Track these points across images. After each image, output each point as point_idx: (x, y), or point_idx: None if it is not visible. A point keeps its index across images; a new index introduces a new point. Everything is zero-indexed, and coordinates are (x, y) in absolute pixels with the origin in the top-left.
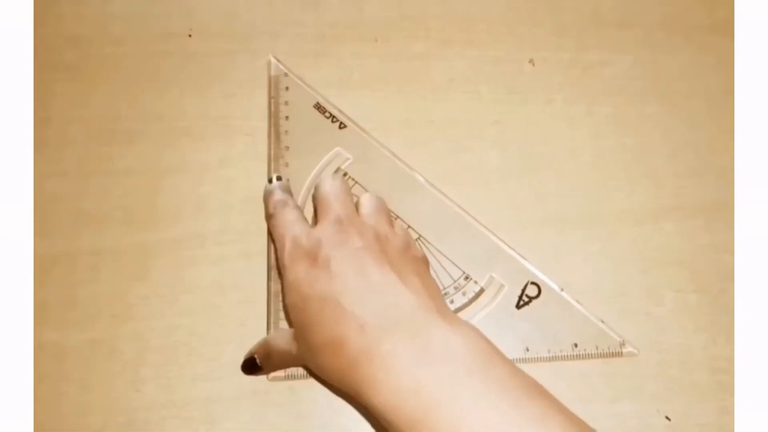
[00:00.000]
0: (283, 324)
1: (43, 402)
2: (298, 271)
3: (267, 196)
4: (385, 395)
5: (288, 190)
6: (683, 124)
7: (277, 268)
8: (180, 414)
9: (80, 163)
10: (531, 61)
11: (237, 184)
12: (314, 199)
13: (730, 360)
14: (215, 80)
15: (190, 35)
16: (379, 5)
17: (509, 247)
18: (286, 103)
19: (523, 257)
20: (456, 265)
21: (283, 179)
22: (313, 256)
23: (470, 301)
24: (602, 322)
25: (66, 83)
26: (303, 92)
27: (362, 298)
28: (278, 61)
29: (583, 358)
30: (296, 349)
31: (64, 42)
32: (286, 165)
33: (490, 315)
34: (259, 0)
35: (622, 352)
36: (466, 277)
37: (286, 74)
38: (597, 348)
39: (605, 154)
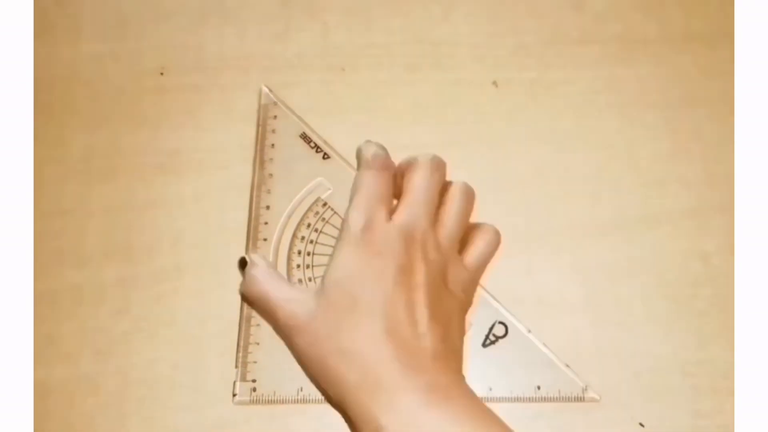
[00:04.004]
0: (254, 348)
1: None
2: (360, 257)
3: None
4: (399, 426)
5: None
6: (645, 135)
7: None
8: None
9: (58, 202)
10: (494, 82)
11: (212, 218)
12: (406, 174)
13: (701, 364)
14: (189, 115)
15: (162, 73)
16: (345, 34)
17: (479, 286)
18: (273, 131)
19: (492, 296)
20: None
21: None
22: (378, 250)
23: None
24: (567, 366)
25: (40, 125)
26: (290, 121)
27: (404, 332)
28: (269, 90)
29: (545, 401)
30: (307, 314)
31: (38, 85)
32: (268, 191)
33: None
34: (228, 34)
35: (584, 398)
36: None
37: (275, 103)
38: (560, 392)
39: (569, 168)
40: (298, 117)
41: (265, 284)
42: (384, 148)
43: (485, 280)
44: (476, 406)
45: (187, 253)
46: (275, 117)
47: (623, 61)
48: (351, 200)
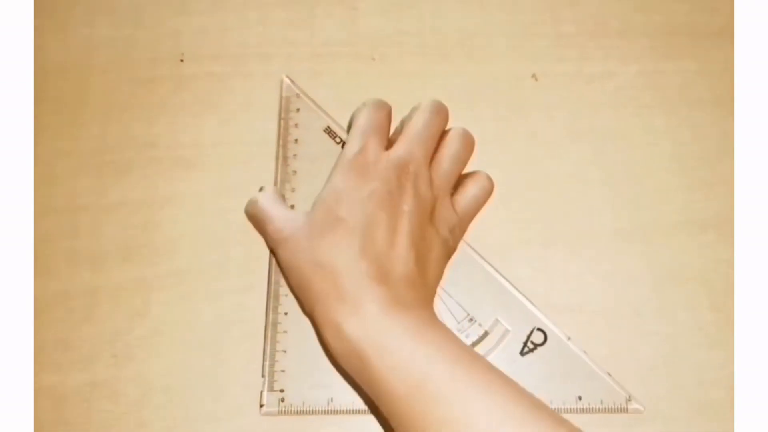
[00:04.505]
0: (281, 357)
1: None
2: (349, 179)
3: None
4: (356, 329)
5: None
6: (691, 134)
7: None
8: None
9: (71, 198)
10: (534, 75)
11: (235, 215)
12: (408, 115)
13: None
14: (209, 106)
15: (181, 60)
16: (374, 21)
17: (517, 290)
18: (296, 125)
19: (531, 302)
20: (461, 306)
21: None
22: (367, 175)
23: (473, 345)
24: (609, 375)
25: (51, 115)
26: (314, 115)
27: (380, 254)
28: (291, 81)
29: (586, 412)
30: (294, 228)
31: (48, 72)
32: (293, 190)
33: (493, 360)
34: (251, 20)
35: (627, 408)
36: (471, 319)
37: (298, 95)
38: (602, 402)
39: (611, 169)
40: (323, 110)
41: (265, 203)
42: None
43: (524, 285)
44: (435, 322)
45: (208, 253)
46: (298, 110)
47: (668, 56)
48: (348, 134)
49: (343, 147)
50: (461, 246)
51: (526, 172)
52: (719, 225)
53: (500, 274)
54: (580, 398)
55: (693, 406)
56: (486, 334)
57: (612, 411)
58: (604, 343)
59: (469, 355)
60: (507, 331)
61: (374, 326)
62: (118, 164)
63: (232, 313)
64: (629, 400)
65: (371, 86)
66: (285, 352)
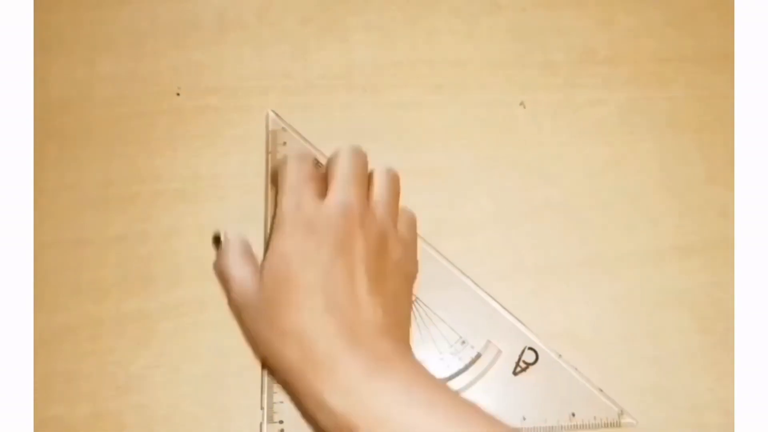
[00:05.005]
0: (279, 388)
1: None
2: (294, 238)
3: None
4: (340, 399)
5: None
6: (678, 159)
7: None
8: None
9: (75, 231)
10: (522, 103)
11: None
12: (329, 164)
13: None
14: (207, 139)
15: (178, 93)
16: (368, 52)
17: (507, 311)
18: (285, 154)
19: (521, 322)
20: (453, 330)
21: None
22: (312, 229)
23: (466, 367)
24: (600, 390)
25: (55, 149)
26: (301, 148)
27: (345, 306)
28: (276, 115)
29: (580, 429)
30: (252, 295)
31: (52, 107)
32: None
33: (487, 381)
34: (247, 53)
35: (620, 423)
36: (463, 342)
37: (284, 129)
38: (595, 418)
39: (602, 195)
40: (309, 143)
41: (229, 259)
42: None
43: (517, 310)
44: (420, 373)
45: (208, 283)
46: (284, 143)
47: (656, 82)
48: (278, 191)
49: None
50: (452, 269)
51: (517, 198)
52: (708, 249)
53: (491, 297)
54: (573, 415)
55: (684, 429)
56: (479, 355)
57: (606, 425)
58: (596, 366)
59: (464, 406)
60: (499, 352)
61: (360, 396)
62: (120, 197)
63: (232, 344)
64: (621, 415)
65: (365, 117)
66: None
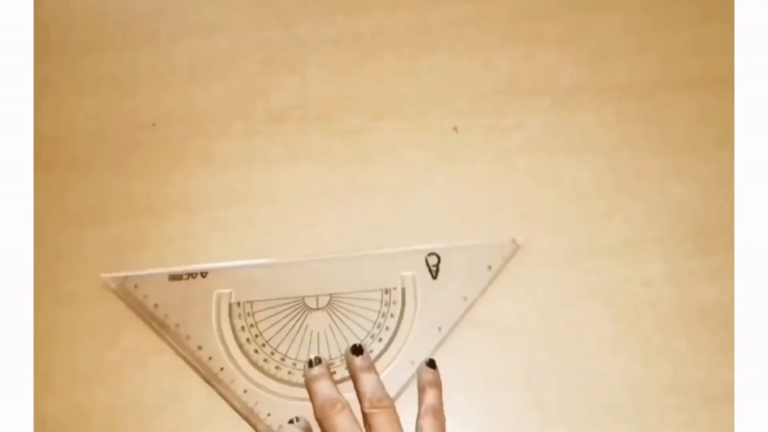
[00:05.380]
0: None
1: None
2: None
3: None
4: None
5: (309, 429)
6: (591, 174)
7: None
8: None
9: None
10: (455, 128)
11: (197, 256)
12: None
13: (646, 381)
14: (176, 163)
15: (154, 124)
16: (320, 86)
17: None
18: (146, 296)
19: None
20: (372, 294)
21: (301, 420)
22: None
23: (402, 310)
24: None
25: (42, 180)
26: (152, 279)
27: None
28: (110, 276)
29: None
30: None
31: (40, 142)
32: (200, 347)
33: (425, 302)
34: (215, 88)
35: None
36: (387, 291)
37: (126, 277)
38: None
39: (524, 205)
40: (151, 271)
41: None
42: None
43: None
44: None
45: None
46: (136, 286)
47: (570, 109)
48: None
49: (194, 277)
50: (327, 258)
51: (450, 211)
52: (625, 248)
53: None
54: (489, 267)
55: (596, 408)
56: (404, 290)
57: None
58: (520, 358)
59: None
60: (413, 275)
61: None
62: (99, 217)
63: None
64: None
65: (318, 141)
66: None
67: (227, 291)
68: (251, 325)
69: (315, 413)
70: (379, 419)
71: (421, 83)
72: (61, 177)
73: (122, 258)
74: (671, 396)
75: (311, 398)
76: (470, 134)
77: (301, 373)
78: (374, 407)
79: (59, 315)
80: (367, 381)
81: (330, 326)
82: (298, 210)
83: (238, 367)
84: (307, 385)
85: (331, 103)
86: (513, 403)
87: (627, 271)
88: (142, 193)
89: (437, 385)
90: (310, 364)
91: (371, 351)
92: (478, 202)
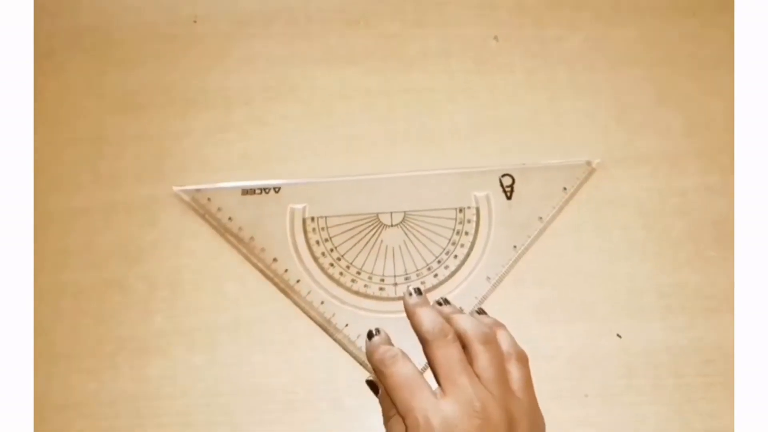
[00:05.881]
0: None
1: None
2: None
3: (372, 352)
4: None
5: (390, 342)
6: (630, 85)
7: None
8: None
9: (97, 130)
10: (495, 37)
11: (236, 146)
12: (430, 360)
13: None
14: (217, 59)
15: (195, 21)
16: None
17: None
18: (219, 209)
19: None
20: (446, 212)
21: (382, 332)
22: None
23: (476, 229)
24: None
25: (84, 63)
26: (225, 192)
27: None
28: (182, 189)
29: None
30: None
31: (81, 30)
32: (276, 260)
33: (499, 222)
34: None
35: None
36: (461, 210)
37: (198, 190)
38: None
39: (561, 114)
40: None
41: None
42: (387, 338)
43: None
44: None
45: (211, 175)
46: (209, 199)
47: (612, 24)
48: (397, 403)
49: (267, 192)
50: (406, 175)
51: (488, 116)
52: (661, 160)
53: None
54: (565, 189)
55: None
56: (478, 209)
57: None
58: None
59: None
60: (488, 195)
61: None
62: (136, 103)
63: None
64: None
65: (358, 44)
66: None
67: (300, 206)
68: (326, 240)
69: (423, 334)
70: (486, 357)
71: None
72: (100, 64)
73: (162, 146)
74: (700, 301)
75: (416, 323)
76: (510, 44)
77: (378, 286)
78: (483, 343)
79: (98, 195)
80: (465, 319)
81: (405, 242)
82: (335, 110)
83: (315, 280)
84: (411, 311)
85: (371, 7)
86: (540, 298)
87: (661, 182)
88: (182, 85)
89: (500, 326)
90: (410, 294)
91: (446, 267)
92: (515, 108)
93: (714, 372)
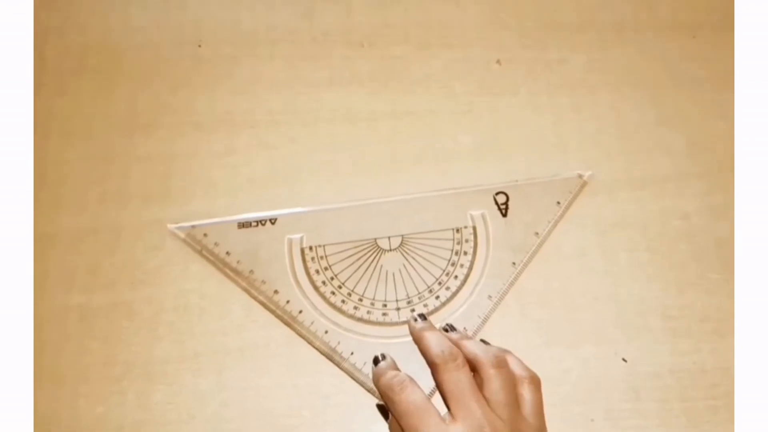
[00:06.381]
0: None
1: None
2: None
3: (379, 377)
4: None
5: (396, 367)
6: (632, 107)
7: None
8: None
9: (104, 150)
10: (498, 61)
11: (241, 170)
12: (439, 384)
13: (680, 308)
14: (222, 80)
15: (199, 45)
16: (365, 14)
17: (452, 189)
18: (216, 244)
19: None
20: (444, 233)
21: (388, 357)
22: None
23: (474, 248)
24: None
25: (92, 83)
26: (221, 227)
27: None
28: (177, 226)
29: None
30: None
31: (88, 51)
32: (277, 292)
33: (497, 240)
34: (259, 9)
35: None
36: (458, 230)
37: (193, 227)
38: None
39: (564, 136)
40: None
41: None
42: (393, 364)
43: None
44: None
45: (218, 199)
46: (205, 235)
47: (613, 45)
48: (406, 429)
49: (263, 224)
50: (403, 198)
51: (491, 138)
52: (664, 181)
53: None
54: (558, 203)
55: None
56: (474, 228)
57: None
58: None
59: None
60: (483, 212)
61: None
62: (143, 125)
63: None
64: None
65: (362, 66)
66: None
67: (298, 236)
68: (325, 268)
69: (432, 358)
70: (498, 381)
71: (464, 14)
72: (107, 84)
73: (168, 168)
74: (705, 324)
75: (425, 348)
76: (513, 67)
77: (381, 312)
78: (494, 367)
79: (105, 215)
80: (474, 344)
81: (404, 266)
82: (339, 133)
83: (317, 309)
84: (418, 336)
85: (374, 30)
86: (546, 320)
87: (665, 204)
88: (187, 108)
89: (507, 352)
90: (416, 319)
91: (447, 288)
92: (518, 130)
93: (720, 395)
